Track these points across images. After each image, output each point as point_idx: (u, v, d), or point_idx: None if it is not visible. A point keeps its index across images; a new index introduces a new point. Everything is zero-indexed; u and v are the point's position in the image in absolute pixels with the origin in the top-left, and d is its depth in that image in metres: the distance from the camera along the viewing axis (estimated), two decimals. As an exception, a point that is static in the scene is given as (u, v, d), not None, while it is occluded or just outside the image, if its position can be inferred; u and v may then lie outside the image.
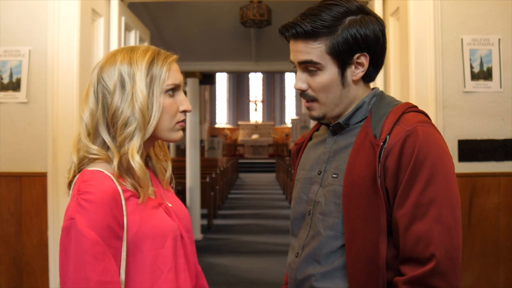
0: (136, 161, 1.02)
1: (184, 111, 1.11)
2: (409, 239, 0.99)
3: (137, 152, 1.03)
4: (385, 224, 1.02)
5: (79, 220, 0.94)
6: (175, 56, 1.12)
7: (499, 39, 2.27)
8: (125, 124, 1.03)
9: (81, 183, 0.98)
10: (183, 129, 1.14)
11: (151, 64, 1.06)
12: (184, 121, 1.12)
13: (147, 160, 1.18)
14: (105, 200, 0.96)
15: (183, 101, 1.10)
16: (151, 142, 1.13)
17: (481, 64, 2.27)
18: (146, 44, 3.20)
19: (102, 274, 0.93)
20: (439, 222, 0.98)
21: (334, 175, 1.12)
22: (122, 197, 1.00)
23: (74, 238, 0.94)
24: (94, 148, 1.04)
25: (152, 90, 1.05)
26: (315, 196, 1.15)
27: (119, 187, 1.00)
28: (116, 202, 0.98)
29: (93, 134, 1.05)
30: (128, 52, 1.07)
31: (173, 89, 1.09)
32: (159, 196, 1.12)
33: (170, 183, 1.22)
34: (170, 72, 1.08)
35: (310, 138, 1.31)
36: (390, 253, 1.03)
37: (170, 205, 1.13)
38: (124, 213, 0.99)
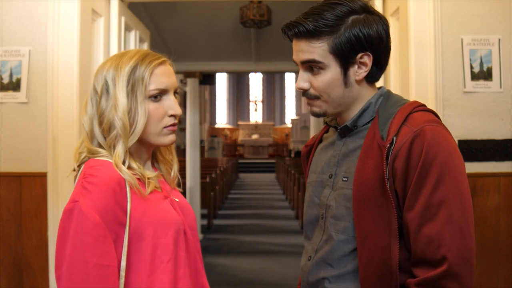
0: (122, 170, 1.02)
1: (173, 116, 1.09)
2: (420, 241, 0.98)
3: (122, 159, 1.04)
4: (396, 226, 1.00)
5: (82, 202, 0.95)
6: (161, 60, 1.10)
7: (499, 39, 2.27)
8: (110, 128, 1.05)
9: (87, 169, 1.01)
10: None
11: (133, 69, 1.06)
12: (174, 125, 1.10)
13: (153, 161, 1.19)
14: (110, 184, 0.98)
15: (172, 105, 1.09)
16: (148, 146, 1.13)
17: (481, 64, 2.27)
18: (146, 44, 3.21)
19: (100, 256, 0.93)
20: (450, 223, 0.96)
21: (344, 179, 1.11)
22: (127, 185, 1.01)
23: (76, 219, 0.94)
24: (95, 148, 1.07)
25: (135, 96, 1.05)
26: (326, 200, 1.14)
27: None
28: (120, 188, 0.99)
29: (90, 137, 1.08)
30: (119, 57, 1.09)
31: (159, 94, 1.08)
32: (165, 191, 1.13)
33: (178, 185, 1.22)
34: (152, 77, 1.07)
35: (320, 140, 1.30)
36: (403, 256, 1.02)
37: (177, 200, 1.14)
38: (129, 199, 1.00)
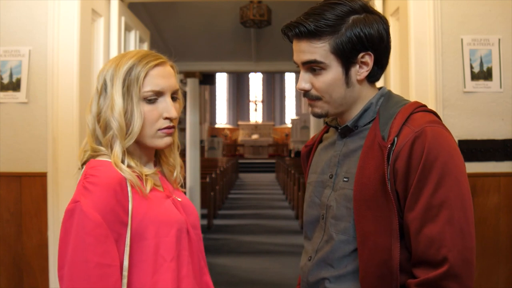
0: (122, 169, 1.03)
1: (168, 118, 1.07)
2: (421, 242, 0.98)
3: (120, 158, 1.04)
4: (397, 227, 1.00)
5: (83, 202, 0.95)
6: (159, 61, 1.08)
7: (499, 39, 2.27)
8: (106, 127, 1.06)
9: (88, 169, 1.01)
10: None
11: (130, 69, 1.05)
12: (169, 127, 1.08)
13: (157, 162, 1.19)
14: (110, 184, 0.98)
15: (167, 107, 1.07)
16: (146, 147, 1.12)
17: (481, 64, 2.27)
18: (146, 44, 3.21)
19: (102, 256, 0.94)
20: (451, 223, 0.96)
21: (345, 179, 1.11)
22: (129, 184, 1.01)
23: (77, 219, 0.94)
24: (97, 146, 1.07)
25: (131, 97, 1.05)
26: (327, 200, 1.14)
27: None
28: (121, 187, 0.99)
29: (93, 135, 1.09)
30: (120, 57, 1.09)
31: (155, 96, 1.06)
32: (167, 191, 1.13)
33: (181, 185, 1.22)
34: (147, 78, 1.05)
35: (320, 140, 1.29)
36: (403, 256, 1.02)
37: (179, 199, 1.14)
38: (130, 199, 1.00)
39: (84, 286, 0.92)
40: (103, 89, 1.07)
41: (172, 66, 1.13)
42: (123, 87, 1.04)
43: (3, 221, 2.26)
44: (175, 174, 1.18)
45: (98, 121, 1.07)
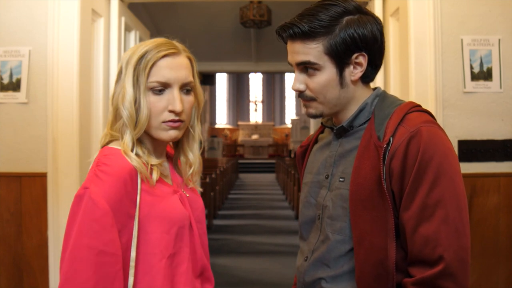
0: (130, 157, 1.02)
1: (172, 111, 1.04)
2: (416, 241, 0.99)
3: (130, 147, 1.03)
4: (393, 226, 1.01)
5: (93, 190, 0.95)
6: (170, 51, 1.05)
7: (499, 40, 2.27)
8: (117, 115, 1.05)
9: (101, 156, 1.01)
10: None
11: (141, 58, 1.04)
12: (174, 121, 1.05)
13: (177, 156, 1.18)
14: (121, 174, 0.98)
15: (172, 99, 1.04)
16: (156, 139, 1.10)
17: (481, 64, 2.28)
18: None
19: (106, 244, 0.94)
20: (446, 223, 0.97)
21: (341, 179, 1.11)
22: (139, 176, 1.01)
23: (85, 206, 0.95)
24: (113, 132, 1.07)
25: (139, 86, 1.03)
26: (323, 200, 1.15)
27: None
28: (131, 179, 0.99)
29: (111, 120, 1.09)
30: (139, 44, 1.08)
31: (161, 87, 1.04)
32: (175, 185, 1.13)
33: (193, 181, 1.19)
34: (154, 69, 1.03)
35: (316, 141, 1.30)
36: (399, 255, 1.02)
37: (187, 195, 1.14)
38: (139, 191, 1.00)
39: (85, 271, 0.92)
40: (119, 74, 1.07)
41: (189, 58, 1.11)
42: (133, 75, 1.04)
43: (3, 221, 2.26)
44: (190, 171, 1.15)
45: (112, 105, 1.07)
